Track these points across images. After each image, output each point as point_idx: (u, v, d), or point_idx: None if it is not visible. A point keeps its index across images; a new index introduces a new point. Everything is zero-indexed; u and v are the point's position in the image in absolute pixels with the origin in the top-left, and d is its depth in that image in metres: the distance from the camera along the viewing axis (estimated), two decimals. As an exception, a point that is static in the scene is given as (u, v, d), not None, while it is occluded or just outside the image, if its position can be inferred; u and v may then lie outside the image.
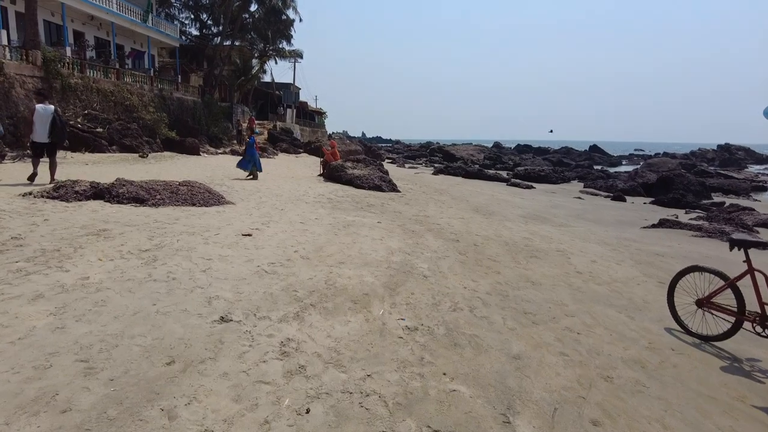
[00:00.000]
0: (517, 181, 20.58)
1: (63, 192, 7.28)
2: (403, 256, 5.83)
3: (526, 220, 10.30)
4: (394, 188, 13.11)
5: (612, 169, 40.74)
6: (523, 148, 75.33)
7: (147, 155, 16.52)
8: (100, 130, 17.20)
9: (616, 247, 7.91)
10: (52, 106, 9.09)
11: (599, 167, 39.86)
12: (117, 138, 17.32)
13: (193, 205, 7.81)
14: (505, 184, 20.52)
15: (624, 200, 18.37)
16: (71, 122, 16.74)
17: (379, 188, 12.77)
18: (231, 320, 3.53)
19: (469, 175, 21.88)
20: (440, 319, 3.96)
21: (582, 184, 24.41)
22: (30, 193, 7.26)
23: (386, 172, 14.39)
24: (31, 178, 8.71)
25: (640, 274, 6.12)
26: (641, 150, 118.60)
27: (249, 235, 6.09)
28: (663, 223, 10.63)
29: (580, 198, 17.38)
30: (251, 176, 13.08)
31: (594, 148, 73.78)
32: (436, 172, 23.21)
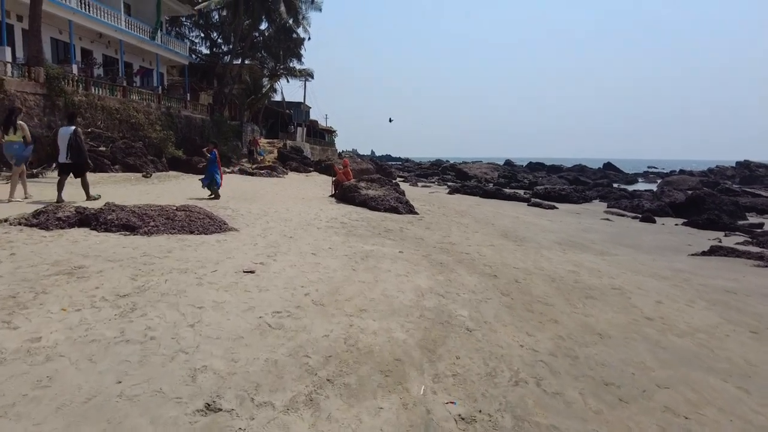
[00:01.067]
0: (538, 200, 19.53)
1: (43, 218, 6.42)
2: (435, 298, 4.83)
3: (563, 247, 9.25)
4: (411, 210, 12.16)
5: (630, 188, 39.60)
6: (535, 166, 74.26)
7: (150, 175, 15.78)
8: (103, 148, 16.53)
9: (675, 281, 6.83)
10: (73, 127, 9.40)
11: (616, 185, 38.71)
12: (120, 157, 16.63)
13: (191, 232, 6.89)
14: (526, 204, 19.49)
15: (653, 221, 17.24)
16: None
17: (395, 210, 11.82)
18: (220, 409, 2.56)
19: (487, 194, 20.89)
20: (502, 401, 2.95)
21: (605, 204, 23.31)
22: (5, 220, 6.40)
23: (402, 193, 13.45)
24: (58, 201, 8.74)
25: (723, 320, 5.05)
26: (654, 168, 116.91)
27: (252, 272, 5.13)
28: (715, 251, 9.53)
29: (608, 219, 16.29)
30: (213, 195, 11.74)
31: (608, 166, 72.59)
32: (452, 191, 22.24)
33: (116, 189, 12.17)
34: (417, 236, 8.75)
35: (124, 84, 22.22)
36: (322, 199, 13.69)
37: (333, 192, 14.44)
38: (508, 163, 79.01)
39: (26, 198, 9.17)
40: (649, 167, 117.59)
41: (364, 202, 12.28)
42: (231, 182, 17.08)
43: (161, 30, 27.72)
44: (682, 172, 70.14)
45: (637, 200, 20.96)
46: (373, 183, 13.44)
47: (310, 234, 7.88)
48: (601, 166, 73.86)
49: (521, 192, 25.74)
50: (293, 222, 8.94)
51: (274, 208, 10.52)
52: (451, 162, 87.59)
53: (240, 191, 14.02)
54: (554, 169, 67.26)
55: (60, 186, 9.13)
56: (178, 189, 13.41)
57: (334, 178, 14.50)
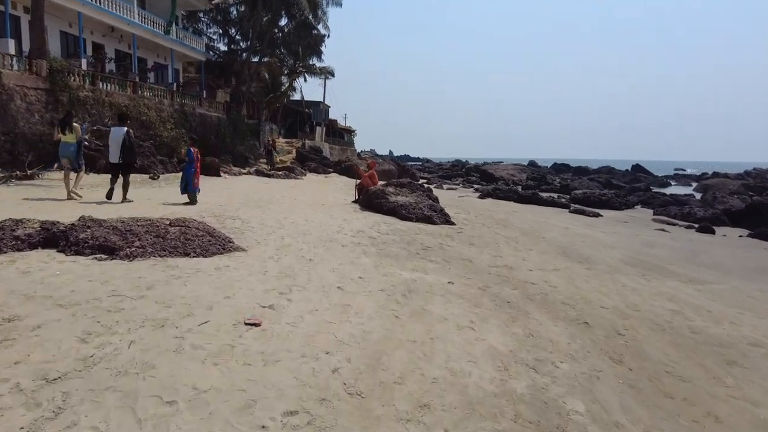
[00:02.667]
0: (580, 207, 17.73)
1: (-2, 237, 5.04)
2: (525, 374, 3.27)
3: (639, 270, 7.56)
4: (447, 219, 10.58)
5: (666, 191, 37.31)
6: (560, 167, 71.79)
7: (158, 177, 14.51)
8: (108, 148, 15.31)
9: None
10: (125, 128, 9.62)
11: (653, 189, 36.47)
12: (127, 157, 15.39)
13: (186, 255, 5.44)
14: (567, 211, 17.72)
15: (713, 232, 15.34)
16: (77, 139, 14.90)
17: (429, 220, 10.26)
18: None
19: (522, 199, 19.15)
20: None
21: (649, 210, 21.37)
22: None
23: (436, 199, 11.87)
24: (109, 195, 9.44)
25: None
26: (682, 169, 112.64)
27: (257, 324, 3.64)
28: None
29: (663, 230, 14.44)
30: (189, 202, 10.07)
31: (637, 168, 69.64)
32: (483, 195, 20.55)
33: (116, 192, 10.88)
34: (463, 256, 7.18)
35: (136, 79, 21.11)
36: (344, 205, 12.20)
37: (356, 197, 12.95)
38: (532, 164, 76.57)
39: (71, 197, 9.47)
40: (676, 169, 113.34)
41: (393, 210, 10.75)
42: (246, 185, 15.72)
43: (176, 25, 26.60)
44: (716, 174, 66.89)
45: (688, 207, 18.98)
46: (402, 188, 11.89)
47: (333, 254, 6.38)
48: (629, 168, 70.91)
49: (552, 195, 23.92)
50: (313, 236, 7.45)
51: (291, 218, 9.05)
52: (472, 162, 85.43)
53: (254, 196, 12.63)
54: (581, 171, 64.62)
55: (113, 185, 9.48)
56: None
57: (357, 182, 12.98)
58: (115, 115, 17.35)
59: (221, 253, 5.80)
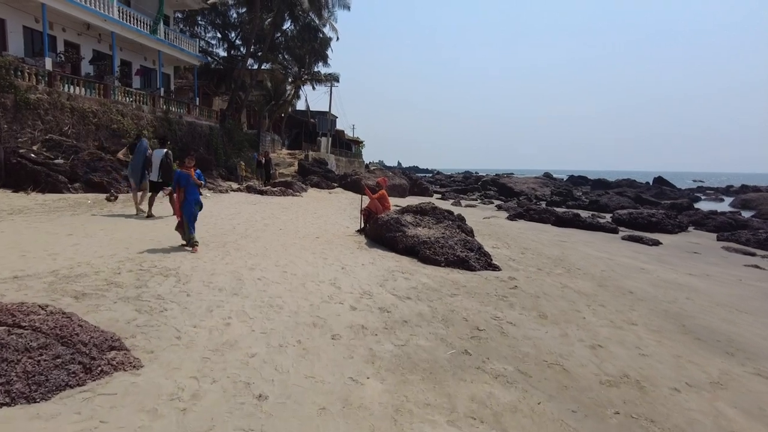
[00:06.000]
0: (632, 233, 14.56)
1: None
2: None
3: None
4: (488, 261, 7.56)
5: (704, 208, 33.99)
6: (577, 180, 68.30)
7: (116, 198, 11.63)
8: (60, 161, 12.52)
9: None
10: (165, 150, 10.00)
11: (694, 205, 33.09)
12: (83, 172, 12.60)
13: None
14: (618, 237, 14.59)
15: (810, 266, 12.13)
16: (22, 150, 12.12)
17: (465, 264, 7.25)
18: None
19: (561, 222, 16.01)
20: None
21: (707, 234, 18.16)
22: None
23: (470, 232, 8.84)
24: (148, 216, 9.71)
25: None
26: (701, 181, 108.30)
27: None
28: None
29: (757, 267, 11.26)
30: (188, 245, 6.92)
31: (659, 180, 66.01)
32: (513, 216, 17.40)
33: (48, 223, 8.01)
34: (541, 350, 4.14)
35: (115, 83, 18.41)
36: (345, 237, 9.21)
37: (362, 226, 9.97)
38: (547, 175, 73.20)
39: (138, 214, 9.93)
40: (694, 180, 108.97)
41: (413, 249, 7.75)
42: (227, 206, 12.80)
43: (165, 24, 24.02)
44: (744, 187, 63.05)
45: (765, 233, 15.75)
46: (423, 216, 8.87)
47: (313, 367, 3.38)
48: (651, 181, 67.31)
49: (584, 213, 20.78)
50: (284, 315, 4.44)
51: (261, 268, 6.06)
52: (482, 174, 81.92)
53: (229, 224, 9.69)
54: (600, 184, 61.19)
55: (151, 202, 9.91)
56: (136, 222, 9.17)
57: (363, 208, 9.97)
58: (78, 123, 14.66)
59: (81, 384, 2.82)
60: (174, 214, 8.05)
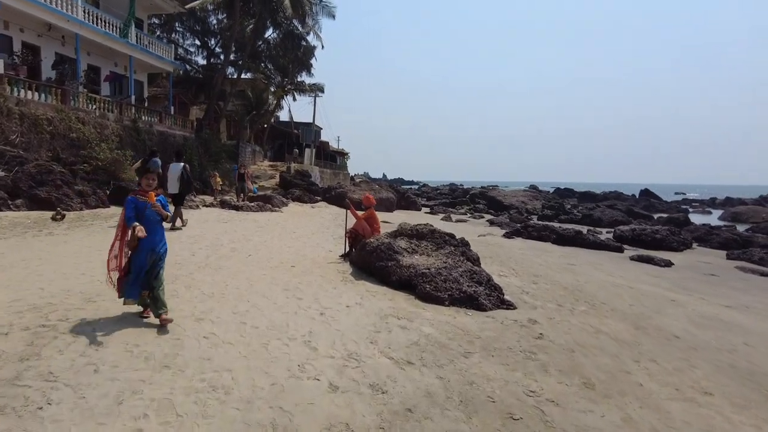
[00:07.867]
0: (644, 254, 13.39)
1: None
2: None
3: None
4: (501, 298, 6.23)
5: (699, 221, 33.30)
6: (564, 192, 67.91)
7: (62, 217, 10.05)
8: (0, 174, 10.92)
9: None
10: (182, 164, 10.55)
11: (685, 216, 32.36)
12: (27, 187, 11.01)
13: None
14: (624, 255, 13.42)
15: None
16: (-46, 162, 10.46)
17: (473, 301, 5.92)
18: None
19: (562, 240, 14.81)
20: None
21: (712, 251, 17.16)
22: None
23: (476, 259, 7.49)
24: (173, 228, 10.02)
25: None
26: (683, 193, 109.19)
27: None
28: None
29: (784, 291, 10.15)
30: (147, 314, 4.47)
31: (646, 192, 65.87)
32: (510, 233, 16.15)
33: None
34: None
35: (80, 88, 16.83)
36: (326, 266, 7.80)
37: (347, 250, 8.58)
38: (533, 188, 72.60)
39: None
40: (676, 193, 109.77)
41: (409, 282, 6.39)
42: (196, 223, 11.29)
43: (139, 28, 22.55)
44: (729, 199, 63.20)
45: (780, 250, 14.77)
46: (420, 240, 7.51)
47: None
48: (637, 193, 67.19)
49: (581, 228, 19.67)
50: (227, 408, 3.01)
51: (214, 316, 4.62)
52: (467, 186, 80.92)
53: (189, 249, 8.22)
54: (587, 196, 60.75)
55: (177, 215, 10.30)
56: (76, 248, 7.64)
57: (349, 229, 8.57)
58: (28, 131, 13.08)
59: None
60: (108, 262, 4.43)
